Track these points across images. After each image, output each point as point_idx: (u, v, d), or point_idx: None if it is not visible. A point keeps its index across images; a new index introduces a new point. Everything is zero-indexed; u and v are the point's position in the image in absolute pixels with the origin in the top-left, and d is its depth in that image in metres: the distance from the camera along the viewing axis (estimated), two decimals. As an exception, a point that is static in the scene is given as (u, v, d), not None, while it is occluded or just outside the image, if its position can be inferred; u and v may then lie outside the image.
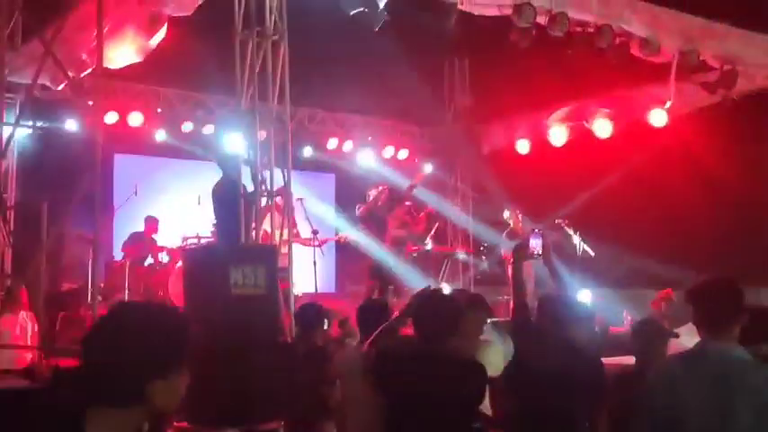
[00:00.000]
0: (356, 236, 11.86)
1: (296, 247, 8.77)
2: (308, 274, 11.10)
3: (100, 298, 8.85)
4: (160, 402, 2.13)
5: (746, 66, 10.63)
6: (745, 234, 11.24)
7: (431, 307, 4.44)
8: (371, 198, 12.00)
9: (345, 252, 14.19)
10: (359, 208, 11.96)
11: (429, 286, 5.91)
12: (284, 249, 8.61)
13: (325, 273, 12.49)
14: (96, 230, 7.96)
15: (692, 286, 3.80)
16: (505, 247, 11.80)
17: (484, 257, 13.81)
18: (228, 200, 8.73)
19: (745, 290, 3.70)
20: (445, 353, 4.28)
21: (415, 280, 10.89)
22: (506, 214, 11.78)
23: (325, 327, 6.83)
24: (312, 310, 6.62)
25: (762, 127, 11.08)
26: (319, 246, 11.44)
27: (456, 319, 4.39)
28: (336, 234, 13.11)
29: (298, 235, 10.79)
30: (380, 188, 12.24)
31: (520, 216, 11.60)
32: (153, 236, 11.96)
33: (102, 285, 10.24)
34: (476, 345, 5.07)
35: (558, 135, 13.10)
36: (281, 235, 8.77)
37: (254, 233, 8.39)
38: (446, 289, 10.85)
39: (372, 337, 5.03)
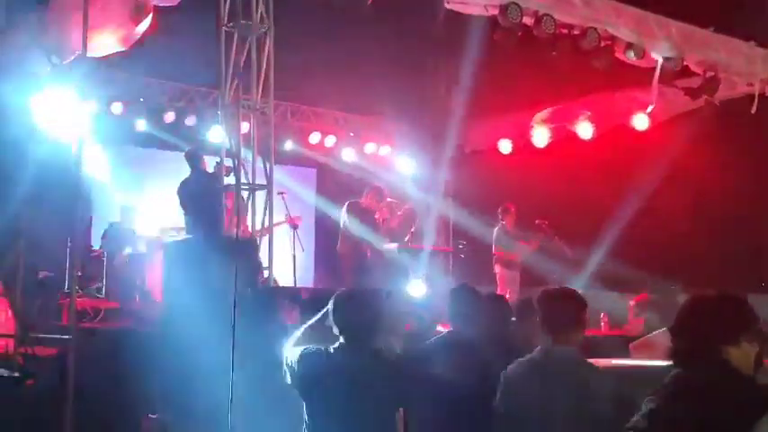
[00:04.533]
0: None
1: (275, 241, 8.75)
2: (287, 267, 11.05)
3: (77, 287, 8.77)
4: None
5: (728, 73, 10.73)
6: (725, 241, 11.33)
7: (351, 308, 4.23)
8: (366, 195, 11.67)
9: (324, 246, 14.16)
10: (351, 204, 11.46)
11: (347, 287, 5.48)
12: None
13: (303, 267, 12.45)
14: (74, 219, 7.88)
15: (539, 294, 4.09)
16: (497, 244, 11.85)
17: (462, 255, 13.83)
18: (207, 193, 8.69)
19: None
20: (370, 352, 4.18)
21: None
22: (501, 211, 11.84)
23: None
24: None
25: (738, 134, 11.18)
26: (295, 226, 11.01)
27: (378, 317, 4.27)
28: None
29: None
30: (373, 186, 12.01)
31: (513, 215, 11.70)
32: (131, 225, 11.87)
33: (79, 274, 10.16)
34: None
35: (540, 136, 13.13)
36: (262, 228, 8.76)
37: (235, 226, 8.36)
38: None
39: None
